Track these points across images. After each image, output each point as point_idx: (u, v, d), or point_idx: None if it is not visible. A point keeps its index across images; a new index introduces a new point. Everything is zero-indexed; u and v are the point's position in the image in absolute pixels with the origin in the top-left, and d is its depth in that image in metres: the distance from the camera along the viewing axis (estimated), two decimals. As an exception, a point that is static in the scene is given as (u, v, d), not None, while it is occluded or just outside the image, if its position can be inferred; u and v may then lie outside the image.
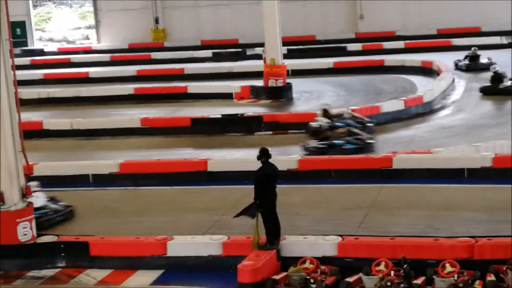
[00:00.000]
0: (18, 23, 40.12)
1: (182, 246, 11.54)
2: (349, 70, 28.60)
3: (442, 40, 33.19)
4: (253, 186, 11.05)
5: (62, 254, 11.86)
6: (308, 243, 11.16)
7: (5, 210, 11.55)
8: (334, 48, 33.39)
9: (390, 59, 29.43)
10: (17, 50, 36.97)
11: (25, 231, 11.74)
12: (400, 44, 33.23)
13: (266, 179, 11.01)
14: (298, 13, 37.77)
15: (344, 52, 32.80)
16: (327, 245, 11.03)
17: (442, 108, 21.96)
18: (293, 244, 11.17)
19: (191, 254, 11.45)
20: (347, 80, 26.88)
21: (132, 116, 22.24)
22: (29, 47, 41.89)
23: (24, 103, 19.37)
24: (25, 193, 11.74)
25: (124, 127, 20.84)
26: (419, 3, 36.93)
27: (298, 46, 33.76)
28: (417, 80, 26.09)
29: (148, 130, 20.66)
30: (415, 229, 11.98)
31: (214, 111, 22.11)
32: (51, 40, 47.78)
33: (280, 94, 24.71)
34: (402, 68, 28.07)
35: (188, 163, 16.43)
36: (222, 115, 21.10)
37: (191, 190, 15.35)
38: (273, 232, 11.06)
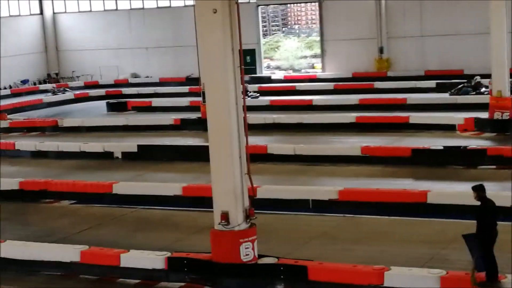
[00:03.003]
0: (249, 51, 41.89)
1: (399, 277, 11.39)
2: None
3: None
4: (474, 221, 10.78)
5: (281, 277, 12.03)
6: (531, 284, 10.64)
7: (229, 229, 12.07)
8: None
9: None
10: (246, 77, 38.61)
11: (247, 252, 12.02)
12: None
13: (488, 215, 10.70)
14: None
15: None
16: (552, 287, 10.45)
17: None
18: (515, 283, 10.70)
19: (408, 286, 11.25)
20: None
21: (353, 144, 22.37)
22: (257, 75, 43.59)
23: (251, 128, 20.13)
24: (249, 214, 12.14)
25: (344, 154, 20.97)
26: None
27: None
28: None
29: (368, 158, 20.67)
30: None
31: (436, 142, 21.75)
32: (278, 68, 49.35)
33: (506, 127, 23.77)
34: None
35: (407, 193, 16.23)
36: (444, 147, 20.68)
37: (409, 221, 15.16)
38: (493, 270, 10.69)
